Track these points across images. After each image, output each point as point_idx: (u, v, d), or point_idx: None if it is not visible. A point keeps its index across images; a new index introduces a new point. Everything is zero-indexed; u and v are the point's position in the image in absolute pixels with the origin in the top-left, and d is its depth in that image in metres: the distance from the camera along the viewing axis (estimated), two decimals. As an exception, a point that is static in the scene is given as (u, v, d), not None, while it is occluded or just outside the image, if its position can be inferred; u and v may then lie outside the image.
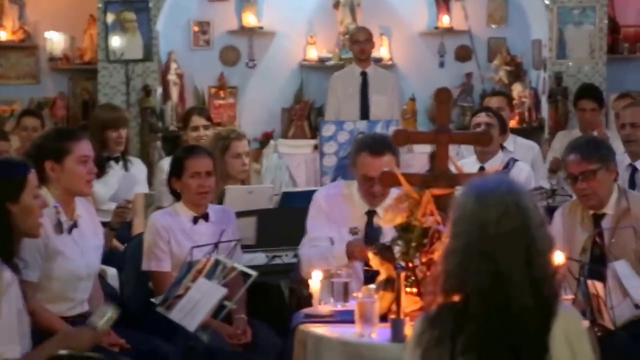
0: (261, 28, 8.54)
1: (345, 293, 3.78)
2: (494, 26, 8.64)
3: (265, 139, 8.27)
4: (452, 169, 3.65)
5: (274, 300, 4.94)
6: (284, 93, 8.62)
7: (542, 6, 8.09)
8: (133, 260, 4.56)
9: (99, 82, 8.07)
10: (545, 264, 2.39)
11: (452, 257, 2.41)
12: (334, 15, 8.54)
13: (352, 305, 3.55)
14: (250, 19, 8.50)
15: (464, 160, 5.86)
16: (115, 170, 5.80)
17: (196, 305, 3.36)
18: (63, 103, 8.41)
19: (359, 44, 7.54)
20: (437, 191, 3.51)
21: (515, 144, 6.18)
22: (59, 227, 3.86)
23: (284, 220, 4.92)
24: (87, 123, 6.93)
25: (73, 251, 3.90)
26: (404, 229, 3.53)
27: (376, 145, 4.16)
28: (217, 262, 3.49)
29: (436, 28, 8.55)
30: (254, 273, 3.37)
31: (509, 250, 2.35)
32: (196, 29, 8.56)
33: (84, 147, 3.94)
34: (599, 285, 3.61)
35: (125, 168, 5.85)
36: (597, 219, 4.23)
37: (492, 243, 2.35)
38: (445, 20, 8.49)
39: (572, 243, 4.22)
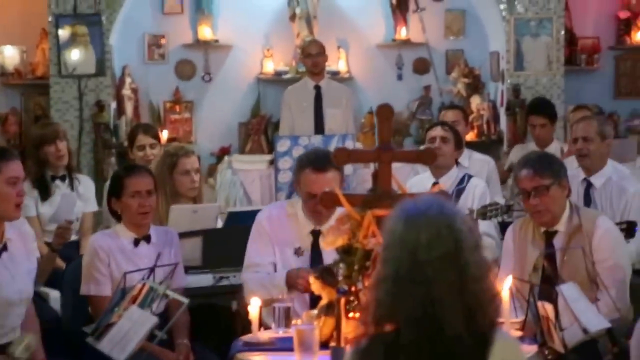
0: (217, 41, 8.43)
1: (287, 318, 3.65)
2: (451, 38, 8.57)
3: (222, 154, 8.13)
4: (396, 188, 3.53)
5: (223, 322, 4.80)
6: (241, 107, 8.51)
7: (499, 17, 8.02)
8: (73, 283, 4.40)
9: (52, 97, 7.92)
10: (481, 290, 2.28)
11: (382, 285, 2.29)
12: (291, 28, 8.43)
13: (293, 331, 3.42)
14: (205, 32, 8.38)
15: (419, 175, 5.77)
16: (61, 190, 5.63)
17: (126, 335, 3.22)
18: (15, 119, 8.27)
19: (311, 57, 7.41)
20: (380, 212, 3.38)
21: (471, 160, 6.08)
22: (-16, 251, 3.70)
23: (231, 240, 4.77)
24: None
25: (2, 276, 3.73)
26: (345, 252, 3.40)
27: (319, 161, 4.06)
28: (151, 289, 3.35)
29: (394, 40, 8.47)
30: (185, 300, 3.23)
31: (441, 276, 2.24)
32: (151, 42, 8.42)
33: (14, 168, 3.76)
34: (549, 307, 3.50)
35: (72, 186, 5.67)
36: (549, 236, 4.15)
37: (423, 269, 2.24)
38: (402, 33, 8.41)
39: (523, 261, 4.14)
